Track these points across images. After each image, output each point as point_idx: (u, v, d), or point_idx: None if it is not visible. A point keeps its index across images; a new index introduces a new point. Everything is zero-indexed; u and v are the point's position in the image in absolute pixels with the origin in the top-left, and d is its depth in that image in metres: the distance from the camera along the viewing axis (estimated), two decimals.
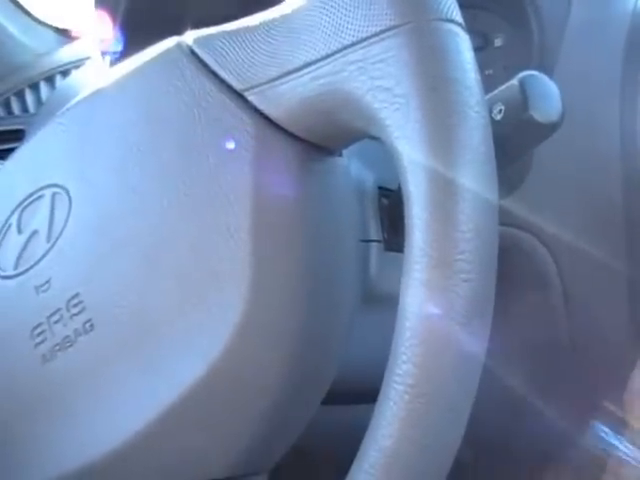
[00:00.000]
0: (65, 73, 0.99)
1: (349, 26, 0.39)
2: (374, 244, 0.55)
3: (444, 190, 0.36)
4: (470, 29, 0.77)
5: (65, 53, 1.02)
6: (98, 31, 0.76)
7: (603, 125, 0.63)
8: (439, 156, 0.36)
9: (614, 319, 0.63)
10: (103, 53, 0.76)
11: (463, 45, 0.38)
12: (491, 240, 0.37)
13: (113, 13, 0.74)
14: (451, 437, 0.37)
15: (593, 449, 0.54)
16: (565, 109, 0.58)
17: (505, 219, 0.64)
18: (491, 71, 0.76)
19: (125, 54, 0.70)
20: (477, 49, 0.75)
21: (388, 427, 0.37)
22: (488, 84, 0.57)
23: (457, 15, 0.39)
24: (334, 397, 0.48)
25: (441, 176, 0.36)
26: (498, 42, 0.75)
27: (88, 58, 0.94)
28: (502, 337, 0.68)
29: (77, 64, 0.97)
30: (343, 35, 0.39)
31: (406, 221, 0.37)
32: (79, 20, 1.04)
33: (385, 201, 0.57)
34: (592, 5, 0.67)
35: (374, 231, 0.55)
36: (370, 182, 0.56)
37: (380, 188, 0.57)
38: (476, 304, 0.36)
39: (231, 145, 0.43)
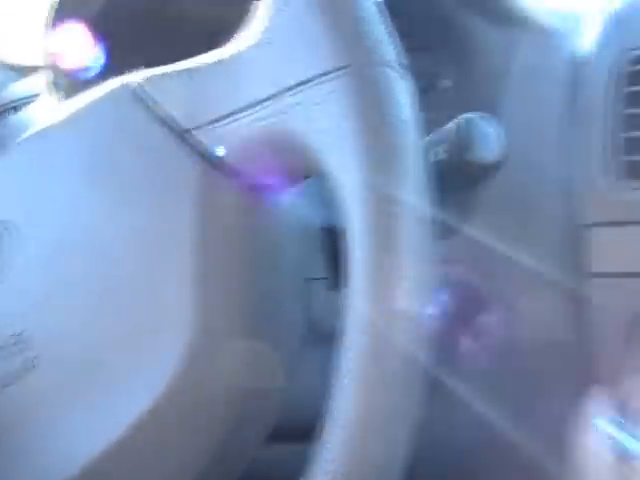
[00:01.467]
0: (16, 109, 0.99)
1: (292, 68, 0.40)
2: (318, 282, 0.55)
3: (383, 225, 0.37)
4: (418, 71, 0.79)
5: (17, 89, 1.02)
6: (69, 50, 0.75)
7: (544, 168, 0.64)
8: (378, 194, 0.37)
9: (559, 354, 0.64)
10: (80, 71, 0.75)
11: (401, 88, 0.39)
12: (430, 273, 0.38)
13: (88, 24, 0.74)
14: (393, 469, 0.38)
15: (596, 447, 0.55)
16: (507, 151, 0.60)
17: (451, 257, 0.65)
18: (436, 113, 0.77)
19: (108, 67, 0.69)
20: (424, 90, 0.77)
21: (330, 464, 0.37)
22: (435, 125, 0.58)
23: (398, 59, 0.40)
24: (277, 435, 0.48)
25: (380, 212, 0.37)
26: (445, 84, 0.77)
27: (40, 94, 0.94)
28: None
29: (29, 100, 0.97)
30: (286, 77, 0.40)
31: (348, 257, 0.37)
32: (31, 55, 1.04)
33: (328, 240, 0.57)
34: (535, 47, 0.69)
35: (318, 270, 0.56)
36: (314, 221, 0.57)
37: (323, 228, 0.57)
38: (417, 337, 0.37)
39: (174, 185, 0.43)
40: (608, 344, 0.60)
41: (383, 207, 0.37)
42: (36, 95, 0.96)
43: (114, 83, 0.47)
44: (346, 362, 0.36)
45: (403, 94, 0.39)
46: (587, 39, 0.67)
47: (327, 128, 0.38)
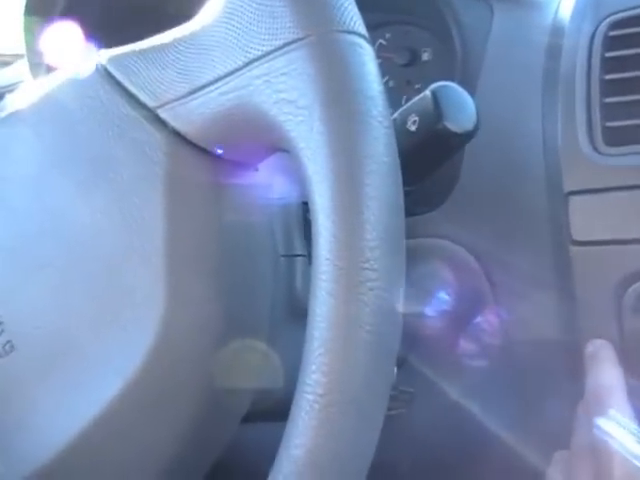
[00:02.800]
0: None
1: (254, 40, 0.39)
2: (299, 259, 0.55)
3: (348, 200, 0.36)
4: (400, 45, 0.79)
5: None
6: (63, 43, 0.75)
7: (526, 135, 0.64)
8: (342, 166, 0.36)
9: (545, 324, 0.64)
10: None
11: (365, 56, 0.39)
12: (398, 248, 0.37)
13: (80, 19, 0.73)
14: (364, 444, 0.38)
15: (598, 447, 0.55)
16: (487, 120, 0.60)
17: (435, 231, 0.65)
18: (420, 85, 0.77)
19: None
20: (407, 64, 0.77)
21: (300, 437, 0.37)
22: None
23: (360, 26, 0.39)
24: (258, 414, 0.48)
25: (345, 186, 0.36)
26: (426, 57, 0.77)
27: (22, 82, 0.93)
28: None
29: (11, 88, 0.97)
30: (248, 50, 0.39)
31: (313, 232, 0.37)
32: (12, 44, 1.03)
33: (309, 216, 0.57)
34: (513, 17, 0.69)
35: (298, 246, 0.55)
36: (294, 198, 0.56)
37: (305, 203, 0.57)
38: (384, 311, 0.36)
39: (142, 164, 0.43)
40: (592, 312, 0.60)
41: (348, 180, 0.36)
42: (18, 83, 0.96)
43: (79, 64, 0.47)
44: (312, 334, 0.36)
45: (368, 62, 0.39)
46: (565, 7, 0.67)
47: (291, 99, 0.38)
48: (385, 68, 0.78)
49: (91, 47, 0.73)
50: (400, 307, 0.38)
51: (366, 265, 0.36)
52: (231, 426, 0.47)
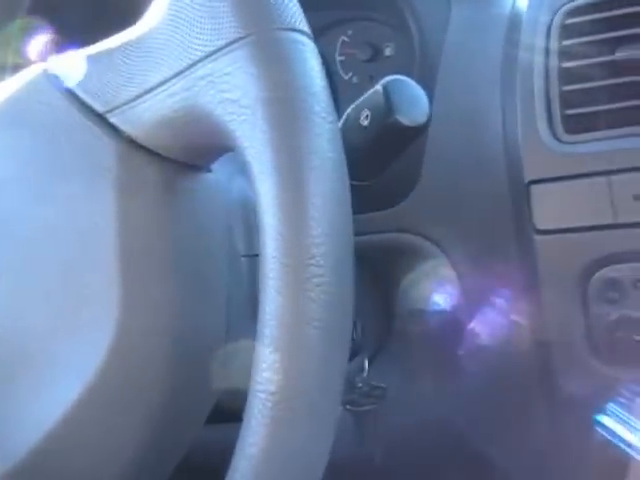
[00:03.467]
0: None
1: (197, 41, 0.39)
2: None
3: (292, 197, 0.36)
4: (362, 40, 0.79)
5: None
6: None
7: (487, 127, 0.64)
8: (286, 163, 0.36)
9: (512, 316, 0.64)
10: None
11: (307, 53, 0.39)
12: (344, 243, 0.37)
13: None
14: (319, 439, 0.38)
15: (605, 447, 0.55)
16: (447, 112, 0.60)
17: (399, 225, 0.65)
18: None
19: None
20: (370, 60, 0.77)
21: (254, 436, 0.37)
22: None
23: (301, 24, 0.39)
24: (223, 415, 0.48)
25: (288, 183, 0.36)
26: (388, 52, 0.77)
27: None
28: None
29: None
30: (192, 51, 0.39)
31: (259, 230, 0.37)
32: None
33: None
34: (471, 7, 0.69)
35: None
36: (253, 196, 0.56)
37: None
38: (332, 307, 0.36)
39: (93, 169, 0.43)
40: (558, 300, 0.60)
41: (292, 178, 0.36)
42: None
43: (31, 70, 0.47)
44: (263, 332, 0.36)
45: (311, 59, 0.39)
46: None
47: (234, 99, 0.38)
48: (348, 64, 0.78)
49: (53, 47, 0.73)
50: (350, 301, 0.38)
51: (312, 261, 0.36)
52: (193, 428, 0.47)
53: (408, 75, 0.60)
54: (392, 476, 0.70)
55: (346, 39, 0.78)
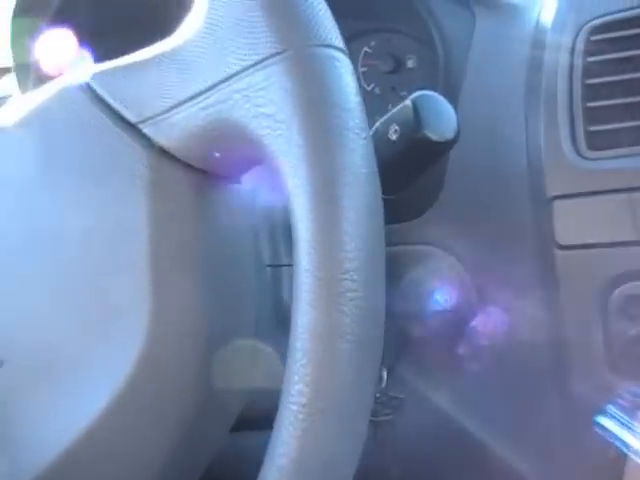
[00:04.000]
0: None
1: (233, 55, 0.40)
2: (285, 268, 0.55)
3: (326, 211, 0.37)
4: (385, 52, 0.79)
5: None
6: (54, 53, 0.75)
7: (510, 141, 0.64)
8: (320, 178, 0.37)
9: (531, 329, 0.64)
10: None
11: (343, 69, 0.39)
12: (377, 257, 0.38)
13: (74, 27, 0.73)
14: (348, 452, 0.38)
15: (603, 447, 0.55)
16: (471, 125, 0.60)
17: (421, 238, 0.66)
18: (406, 92, 0.77)
19: None
20: (392, 71, 0.77)
21: (284, 446, 0.37)
22: None
23: (337, 40, 0.40)
24: (247, 423, 0.48)
25: (323, 198, 0.37)
26: (411, 64, 0.77)
27: (11, 95, 0.94)
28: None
29: (0, 102, 0.97)
30: (228, 64, 0.40)
31: (293, 243, 0.38)
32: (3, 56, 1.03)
33: None
34: (495, 21, 0.69)
35: (284, 255, 0.56)
36: (280, 208, 0.57)
37: None
38: (365, 321, 0.37)
39: (125, 179, 0.43)
40: (578, 316, 0.60)
41: (326, 193, 0.37)
42: (8, 97, 0.96)
43: (63, 80, 0.47)
44: (295, 345, 0.37)
45: (346, 75, 0.39)
46: (547, 12, 0.67)
47: (270, 113, 0.38)
48: (370, 75, 0.78)
49: (81, 54, 0.73)
50: (381, 316, 0.38)
51: (345, 276, 0.36)
52: (221, 433, 0.48)
53: (431, 88, 0.60)
54: None
55: (368, 50, 0.79)
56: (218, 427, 0.47)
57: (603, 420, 0.56)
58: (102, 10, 0.73)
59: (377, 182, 0.39)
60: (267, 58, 0.39)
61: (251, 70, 0.39)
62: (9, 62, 1.03)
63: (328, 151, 0.37)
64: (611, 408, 0.58)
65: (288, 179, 0.38)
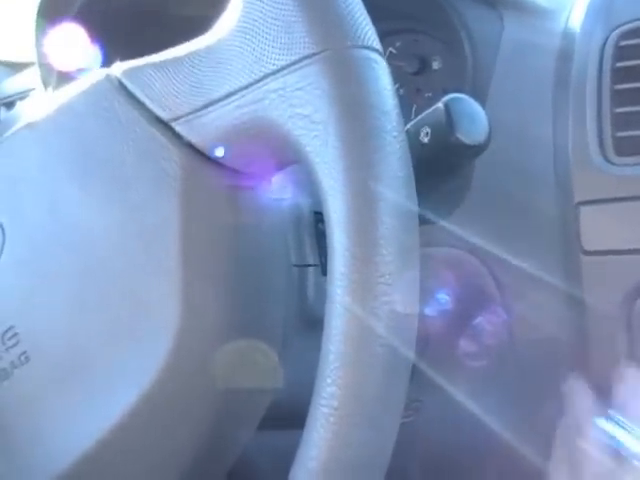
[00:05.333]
0: (10, 105, 0.99)
1: (269, 55, 0.39)
2: (311, 268, 0.55)
3: (363, 214, 0.36)
4: (410, 53, 0.79)
5: (10, 85, 1.02)
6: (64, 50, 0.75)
7: (537, 145, 0.64)
8: (357, 181, 0.37)
9: (555, 332, 0.64)
10: (78, 72, 0.75)
11: (380, 71, 0.39)
12: (411, 262, 0.38)
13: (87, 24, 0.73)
14: (379, 456, 0.38)
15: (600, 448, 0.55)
16: (498, 129, 0.60)
17: (446, 240, 0.65)
18: (430, 94, 0.77)
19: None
20: (417, 72, 0.77)
21: (315, 449, 0.37)
22: (428, 106, 0.58)
23: (374, 41, 0.39)
24: (273, 422, 0.48)
25: (360, 201, 0.36)
26: (436, 65, 0.77)
27: (33, 90, 0.94)
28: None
29: (22, 95, 0.97)
30: (264, 64, 0.40)
31: (328, 245, 0.37)
32: (24, 51, 1.04)
33: (322, 226, 0.57)
34: (524, 26, 0.69)
35: (310, 256, 0.55)
36: (306, 207, 0.57)
37: (317, 213, 0.57)
38: (398, 326, 0.37)
39: (157, 177, 0.43)
40: (602, 322, 0.60)
41: (363, 195, 0.37)
42: (29, 91, 0.96)
43: (95, 76, 0.47)
44: (328, 347, 0.37)
45: (383, 77, 0.39)
46: (576, 15, 0.67)
47: (306, 114, 0.38)
48: (395, 76, 0.78)
49: (101, 51, 0.73)
50: (415, 319, 0.38)
51: (381, 280, 0.36)
52: (246, 434, 0.47)
53: (456, 89, 0.60)
54: None
55: (394, 51, 0.78)
56: (244, 426, 0.47)
57: (602, 423, 0.56)
58: (125, 9, 0.73)
59: (413, 185, 0.39)
60: (304, 58, 0.38)
61: (288, 70, 0.39)
62: (27, 57, 1.03)
63: (365, 154, 0.37)
64: (611, 410, 0.57)
65: (323, 181, 0.38)
